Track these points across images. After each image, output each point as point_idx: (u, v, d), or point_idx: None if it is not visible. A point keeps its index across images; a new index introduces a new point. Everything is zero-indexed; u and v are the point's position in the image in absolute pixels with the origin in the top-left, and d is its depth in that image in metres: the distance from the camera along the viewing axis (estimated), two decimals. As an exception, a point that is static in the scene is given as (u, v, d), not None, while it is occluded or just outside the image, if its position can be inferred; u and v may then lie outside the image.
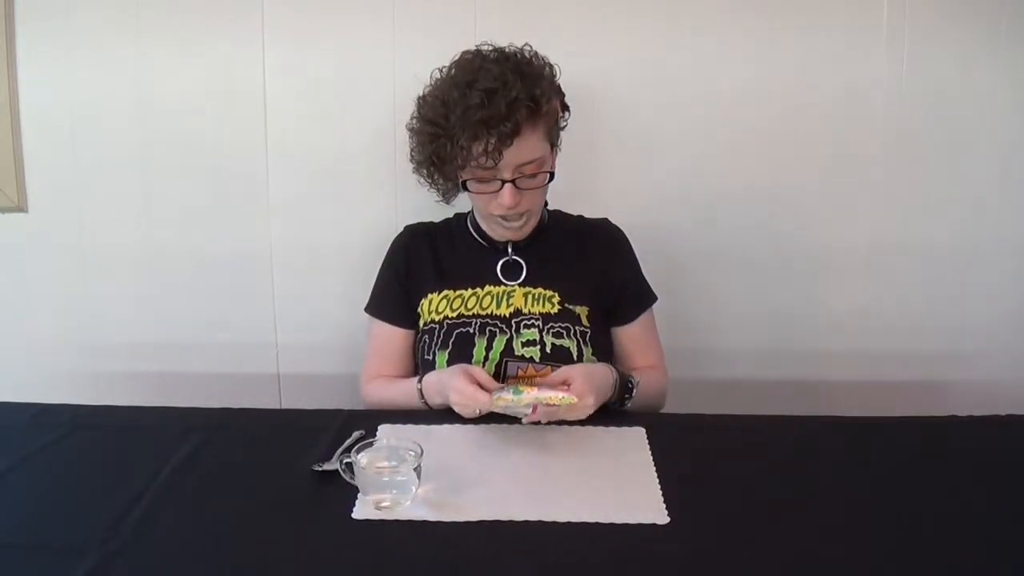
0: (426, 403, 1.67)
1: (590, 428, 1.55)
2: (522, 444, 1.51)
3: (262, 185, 2.12)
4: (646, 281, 1.86)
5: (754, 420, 1.60)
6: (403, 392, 1.71)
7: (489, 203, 1.69)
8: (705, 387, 2.16)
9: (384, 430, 1.53)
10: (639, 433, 1.53)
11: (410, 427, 1.55)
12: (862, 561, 1.20)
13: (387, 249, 1.86)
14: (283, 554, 1.21)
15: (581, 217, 1.88)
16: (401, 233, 1.88)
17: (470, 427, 1.55)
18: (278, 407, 2.17)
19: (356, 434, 1.50)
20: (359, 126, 2.09)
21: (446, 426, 1.56)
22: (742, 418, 1.60)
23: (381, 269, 1.86)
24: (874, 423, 1.60)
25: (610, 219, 1.88)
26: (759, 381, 2.20)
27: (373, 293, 1.85)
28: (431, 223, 1.90)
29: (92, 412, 1.63)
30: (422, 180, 1.79)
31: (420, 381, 1.68)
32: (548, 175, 1.69)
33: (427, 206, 1.91)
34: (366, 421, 1.56)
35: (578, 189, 1.93)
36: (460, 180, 1.69)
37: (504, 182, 1.64)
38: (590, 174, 2.08)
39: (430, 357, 1.74)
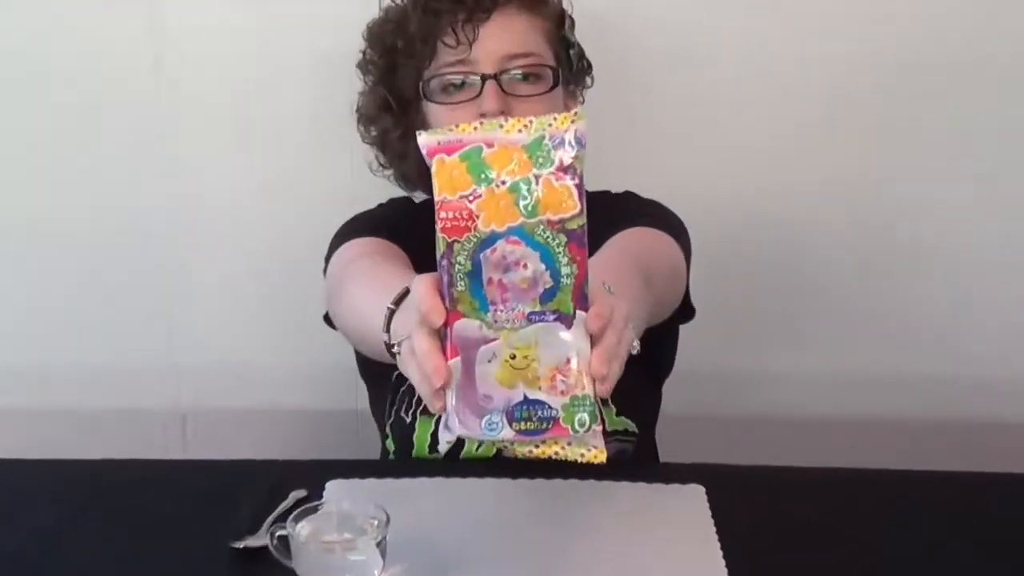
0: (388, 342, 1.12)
1: (626, 484, 1.31)
2: (533, 506, 1.28)
3: (161, 163, 1.90)
4: (669, 220, 1.51)
5: (844, 475, 1.38)
6: (381, 289, 1.16)
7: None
8: (774, 427, 1.97)
9: (334, 489, 1.29)
10: (696, 493, 1.29)
11: (371, 483, 1.32)
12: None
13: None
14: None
15: (606, 193, 1.59)
16: (384, 204, 1.60)
17: (456, 481, 1.31)
18: (181, 456, 2.02)
19: (294, 494, 1.28)
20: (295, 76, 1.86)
21: (424, 480, 1.32)
22: (827, 472, 1.38)
23: (351, 227, 1.50)
24: (996, 480, 1.38)
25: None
26: (849, 420, 2.00)
27: (337, 253, 1.46)
28: (411, 199, 1.62)
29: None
30: (377, 158, 1.54)
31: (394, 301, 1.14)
32: (552, 74, 1.39)
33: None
34: (309, 476, 1.33)
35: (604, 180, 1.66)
36: (423, 93, 1.40)
37: (485, 79, 1.36)
38: (620, 162, 1.79)
39: None
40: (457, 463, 1.35)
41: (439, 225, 0.86)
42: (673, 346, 1.57)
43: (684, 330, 1.59)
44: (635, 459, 1.41)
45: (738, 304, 2.00)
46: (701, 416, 1.85)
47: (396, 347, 0.98)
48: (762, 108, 1.92)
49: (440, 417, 0.91)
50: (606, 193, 1.59)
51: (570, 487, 1.31)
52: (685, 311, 1.51)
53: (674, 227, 1.47)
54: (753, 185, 1.94)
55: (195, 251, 2.01)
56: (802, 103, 1.91)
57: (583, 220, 0.85)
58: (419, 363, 0.89)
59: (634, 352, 0.95)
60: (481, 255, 0.86)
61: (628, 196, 1.56)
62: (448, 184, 0.86)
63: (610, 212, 1.46)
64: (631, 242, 1.37)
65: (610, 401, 1.39)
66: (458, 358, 0.86)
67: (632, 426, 1.42)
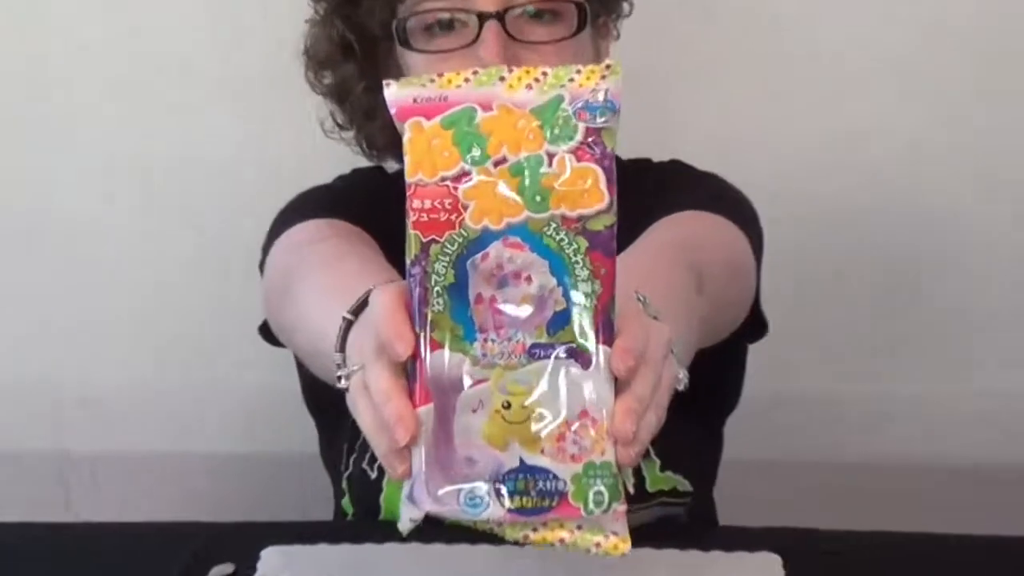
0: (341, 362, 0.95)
1: (675, 553, 1.19)
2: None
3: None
4: (732, 200, 1.40)
5: (969, 543, 1.28)
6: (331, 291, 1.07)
7: None
8: (873, 477, 1.84)
9: (272, 559, 1.18)
10: (769, 564, 1.19)
11: (322, 551, 1.19)
12: None
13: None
14: None
15: (645, 162, 1.47)
16: (345, 176, 1.46)
17: (438, 548, 1.20)
18: (68, 517, 1.94)
19: (217, 570, 1.18)
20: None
21: (393, 546, 1.19)
22: (944, 539, 1.28)
23: (299, 205, 1.38)
24: None
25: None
26: (976, 467, 1.89)
27: (279, 241, 1.34)
28: (383, 170, 1.46)
29: None
30: (333, 115, 1.43)
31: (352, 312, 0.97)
32: (576, 11, 1.24)
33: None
34: (238, 542, 1.21)
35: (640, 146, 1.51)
36: (397, 37, 1.27)
37: (484, 18, 1.20)
38: (662, 117, 1.73)
39: None
40: (441, 526, 1.26)
41: (411, 217, 0.76)
42: (739, 373, 1.39)
43: (752, 351, 1.43)
44: (688, 524, 1.25)
45: (824, 315, 1.87)
46: (774, 463, 1.73)
47: (344, 379, 0.85)
48: (855, 38, 1.77)
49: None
50: (645, 163, 1.44)
51: (596, 557, 1.24)
52: (754, 325, 1.35)
53: (739, 210, 1.30)
54: (844, 149, 1.80)
55: (88, 246, 1.89)
56: (912, 33, 1.76)
57: (612, 219, 0.76)
58: (375, 407, 0.78)
59: (680, 388, 0.85)
60: (468, 262, 0.77)
61: (676, 167, 1.39)
62: (425, 160, 0.78)
63: (651, 190, 1.33)
64: (678, 230, 1.22)
65: (652, 452, 1.24)
66: (430, 405, 0.76)
67: (684, 483, 1.25)
